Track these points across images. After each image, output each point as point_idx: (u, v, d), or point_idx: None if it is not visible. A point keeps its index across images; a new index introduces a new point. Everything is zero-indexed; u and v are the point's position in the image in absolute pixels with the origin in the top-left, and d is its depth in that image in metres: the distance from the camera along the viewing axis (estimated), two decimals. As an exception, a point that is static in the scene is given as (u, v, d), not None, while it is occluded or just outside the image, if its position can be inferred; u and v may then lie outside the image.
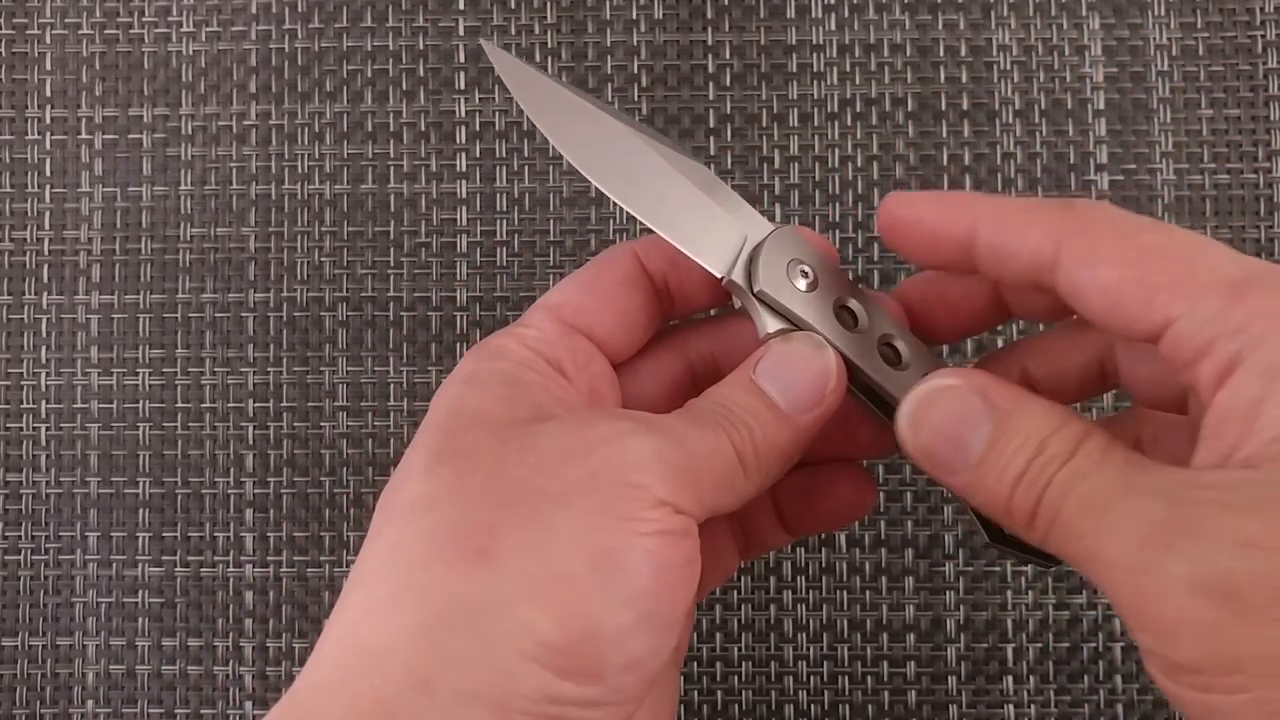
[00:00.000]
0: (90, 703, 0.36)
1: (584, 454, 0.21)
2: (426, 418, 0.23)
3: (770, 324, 0.24)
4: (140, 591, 0.37)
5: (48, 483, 0.37)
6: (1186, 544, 0.18)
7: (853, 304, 0.25)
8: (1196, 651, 0.18)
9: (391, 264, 0.37)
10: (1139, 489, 0.19)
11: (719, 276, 0.24)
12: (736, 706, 0.36)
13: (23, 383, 0.37)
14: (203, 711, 0.36)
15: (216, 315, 0.37)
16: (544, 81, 0.25)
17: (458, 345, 0.37)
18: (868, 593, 0.36)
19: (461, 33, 0.38)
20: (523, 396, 0.23)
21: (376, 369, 0.37)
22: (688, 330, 0.27)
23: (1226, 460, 0.19)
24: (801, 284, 0.24)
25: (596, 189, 0.37)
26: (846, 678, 0.36)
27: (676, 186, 0.24)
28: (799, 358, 0.23)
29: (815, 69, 0.37)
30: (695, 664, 0.36)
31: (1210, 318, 0.19)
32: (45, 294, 0.38)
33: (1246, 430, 0.19)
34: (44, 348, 0.38)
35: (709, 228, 0.24)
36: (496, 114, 0.38)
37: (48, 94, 0.38)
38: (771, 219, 0.29)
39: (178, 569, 0.37)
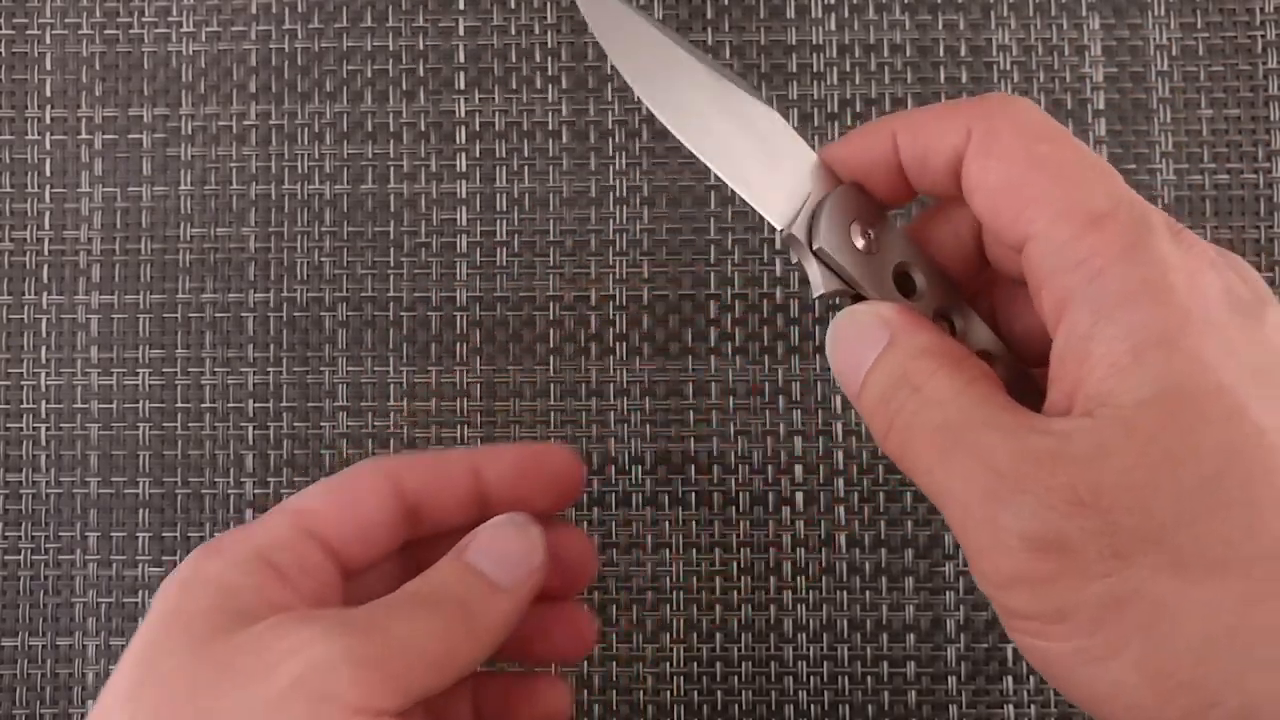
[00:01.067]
0: (90, 703, 0.36)
1: (273, 671, 0.21)
2: (147, 615, 0.23)
3: (823, 283, 0.23)
4: (140, 591, 0.37)
5: (48, 483, 0.37)
6: (1021, 499, 0.18)
7: (914, 271, 0.24)
8: (1028, 602, 0.19)
9: (391, 264, 0.37)
10: (981, 437, 0.19)
11: (779, 228, 0.23)
12: (736, 706, 0.36)
13: (23, 383, 0.37)
14: (203, 711, 0.36)
15: (216, 315, 0.37)
16: (629, 18, 0.24)
17: (458, 345, 0.37)
18: (868, 593, 0.36)
19: (461, 33, 0.38)
20: (231, 605, 0.23)
21: (376, 369, 0.37)
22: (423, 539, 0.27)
23: (1070, 403, 0.19)
24: (861, 243, 0.23)
25: (597, 189, 0.37)
26: (846, 678, 0.36)
27: (748, 135, 0.24)
28: (507, 536, 0.25)
29: (815, 69, 0.37)
30: (695, 664, 0.36)
31: (1058, 246, 0.19)
32: (45, 294, 0.38)
33: (1079, 372, 0.19)
34: (44, 348, 0.38)
35: (775, 178, 0.23)
36: (496, 114, 0.38)
37: (48, 94, 0.38)
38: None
39: (178, 569, 0.37)
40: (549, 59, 0.38)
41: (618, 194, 0.37)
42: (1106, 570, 0.18)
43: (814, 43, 0.38)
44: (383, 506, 0.25)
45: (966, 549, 0.20)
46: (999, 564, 0.19)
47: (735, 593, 0.36)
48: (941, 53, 0.37)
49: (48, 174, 0.38)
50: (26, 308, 0.38)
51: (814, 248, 0.23)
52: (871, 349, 0.21)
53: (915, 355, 0.21)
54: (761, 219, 0.37)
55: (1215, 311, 0.18)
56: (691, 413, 0.37)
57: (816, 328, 0.37)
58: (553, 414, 0.37)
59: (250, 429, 0.37)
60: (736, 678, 0.36)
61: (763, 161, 0.24)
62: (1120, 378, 0.18)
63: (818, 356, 0.37)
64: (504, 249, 0.37)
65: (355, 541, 0.25)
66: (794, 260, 0.24)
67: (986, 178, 0.20)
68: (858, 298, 0.23)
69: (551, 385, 0.37)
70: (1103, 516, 0.18)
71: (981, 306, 0.25)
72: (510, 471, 0.27)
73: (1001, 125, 0.20)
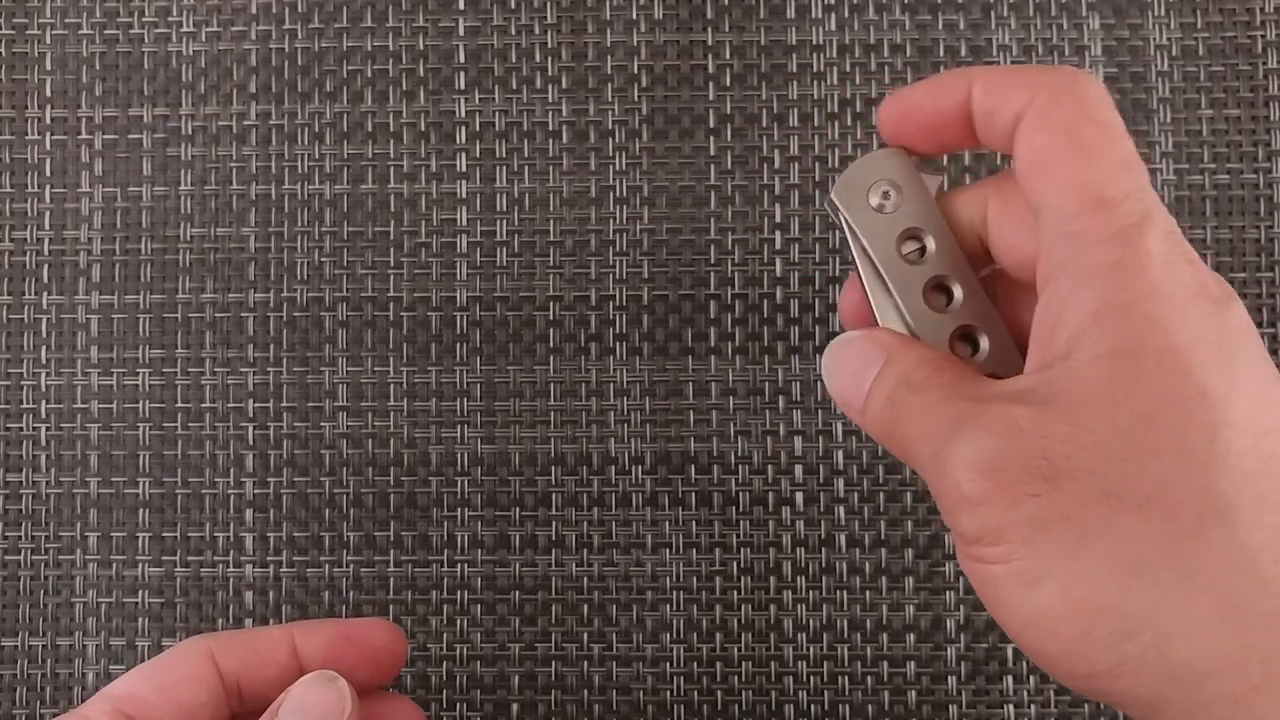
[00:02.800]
0: (90, 703, 0.36)
1: None
2: None
3: (877, 312, 0.24)
4: (140, 591, 0.37)
5: (48, 483, 0.37)
6: (968, 431, 0.20)
7: (925, 236, 0.25)
8: (970, 523, 0.20)
9: (391, 264, 0.37)
10: (955, 401, 0.21)
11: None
12: (736, 706, 0.36)
13: (23, 383, 0.37)
14: (203, 711, 0.36)
15: (216, 315, 0.37)
16: None
17: (458, 345, 0.37)
18: (868, 593, 0.36)
19: (461, 33, 0.38)
20: None
21: (376, 369, 0.37)
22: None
23: (1039, 364, 0.21)
24: (875, 201, 0.24)
25: (597, 189, 0.37)
26: (846, 678, 0.36)
27: None
28: (317, 692, 0.25)
29: (815, 69, 0.37)
30: (695, 664, 0.36)
31: (1061, 220, 0.21)
32: (45, 294, 0.38)
33: (1049, 336, 0.20)
34: (44, 348, 0.38)
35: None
36: (496, 114, 0.38)
37: (48, 94, 0.38)
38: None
39: (178, 569, 0.37)
40: (549, 59, 0.38)
41: (618, 194, 0.37)
42: (1036, 490, 0.19)
43: (814, 43, 0.38)
44: (203, 688, 0.26)
45: (933, 492, 0.21)
46: (948, 489, 0.20)
47: (735, 593, 0.36)
48: (941, 53, 0.37)
49: (48, 174, 0.38)
50: (26, 308, 0.38)
51: (828, 196, 0.25)
52: (871, 368, 0.23)
53: (914, 365, 0.22)
54: (760, 221, 0.37)
55: (1181, 293, 0.20)
56: (691, 413, 0.37)
57: (816, 328, 0.37)
58: (553, 414, 0.37)
59: (250, 429, 0.37)
60: (736, 678, 0.36)
61: None
62: (1080, 338, 0.20)
63: (817, 356, 0.37)
64: (504, 249, 0.37)
65: None
66: (839, 239, 0.25)
67: (1031, 143, 0.22)
68: (863, 252, 0.24)
69: (551, 385, 0.37)
70: (1038, 443, 0.19)
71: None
72: (324, 646, 0.28)
73: (1061, 99, 0.21)
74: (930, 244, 0.24)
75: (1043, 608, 0.19)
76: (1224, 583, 0.19)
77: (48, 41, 0.38)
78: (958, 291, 0.24)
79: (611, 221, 0.37)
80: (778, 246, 0.37)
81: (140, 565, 0.37)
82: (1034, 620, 0.20)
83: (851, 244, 0.25)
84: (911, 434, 0.22)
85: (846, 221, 0.25)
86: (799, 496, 0.36)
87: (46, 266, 0.38)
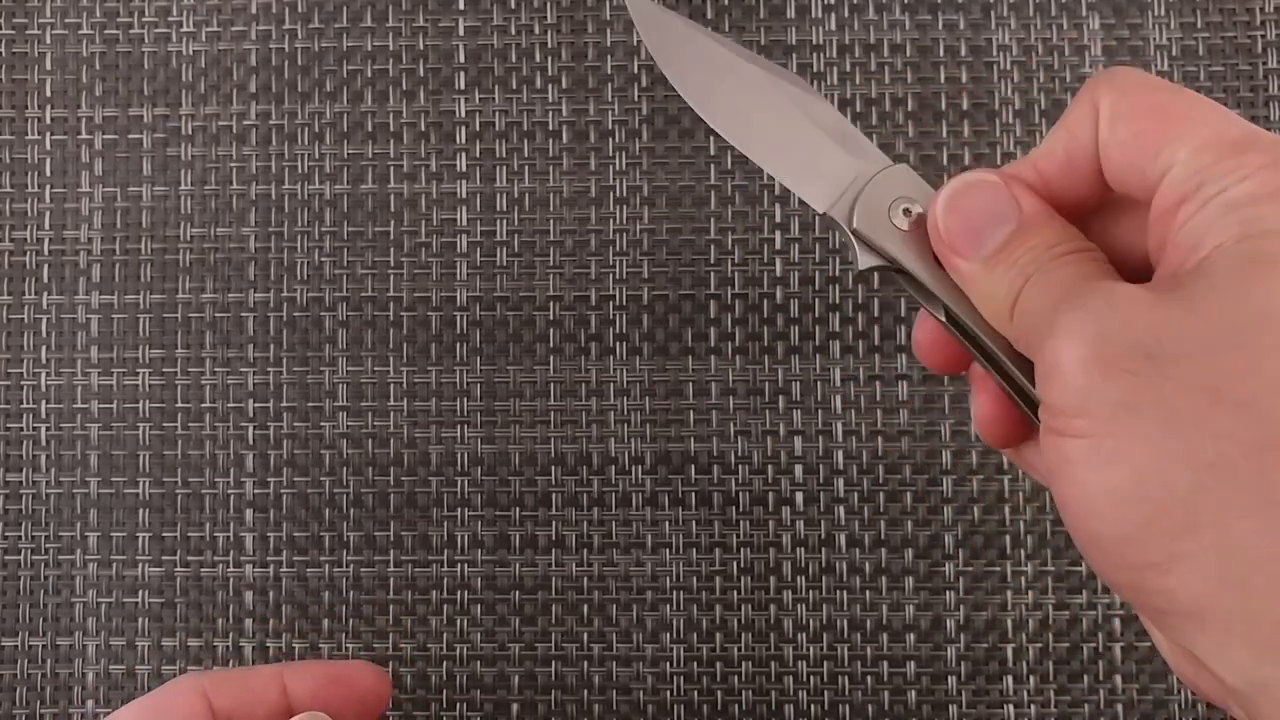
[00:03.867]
0: (90, 703, 0.36)
1: None
2: None
3: (864, 259, 0.24)
4: (140, 591, 0.37)
5: (48, 483, 0.37)
6: (1084, 300, 0.20)
7: None
8: (1061, 393, 0.20)
9: (391, 264, 0.37)
10: (1080, 290, 0.20)
11: (820, 211, 0.24)
12: (736, 706, 0.36)
13: (23, 383, 0.37)
14: (203, 711, 0.36)
15: (216, 315, 0.37)
16: (675, 25, 0.26)
17: (458, 345, 0.37)
18: (868, 593, 0.36)
19: (461, 33, 0.38)
20: None
21: (376, 369, 0.37)
22: None
23: (1171, 277, 0.20)
24: (904, 223, 0.24)
25: (597, 189, 0.37)
26: (846, 678, 0.36)
27: (792, 124, 0.25)
28: None
29: (815, 69, 0.37)
30: (695, 664, 0.36)
31: (1203, 165, 0.20)
32: (45, 294, 0.38)
33: (1187, 255, 0.20)
34: (44, 348, 0.38)
35: (817, 164, 0.25)
36: (496, 114, 0.38)
37: (48, 94, 0.38)
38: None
39: (178, 569, 0.37)
40: (549, 59, 0.38)
41: (618, 194, 0.37)
42: (1134, 367, 0.19)
43: (814, 43, 0.38)
44: None
45: (1034, 360, 0.21)
46: (1044, 358, 0.20)
47: (735, 593, 0.36)
48: (941, 53, 0.37)
49: (48, 174, 0.38)
50: (26, 308, 0.38)
51: (851, 228, 0.24)
52: (1001, 226, 0.22)
53: (1060, 243, 0.22)
54: (760, 221, 0.37)
55: None
56: (691, 413, 0.37)
57: (816, 328, 0.37)
58: (553, 414, 0.37)
59: (250, 429, 0.37)
60: (736, 678, 0.36)
61: (806, 150, 0.25)
62: (1218, 252, 0.19)
63: (818, 356, 0.37)
64: (504, 249, 0.37)
65: None
66: (841, 239, 0.25)
67: (1118, 136, 0.21)
68: (901, 271, 0.24)
69: (551, 385, 0.37)
70: (1153, 322, 0.19)
71: None
72: (313, 688, 0.28)
73: (1115, 91, 0.21)
74: None
75: (1112, 488, 0.19)
76: None
77: (48, 41, 0.38)
78: None
79: (611, 221, 0.37)
80: (778, 246, 0.37)
81: (140, 565, 0.37)
82: (1098, 501, 0.19)
83: (865, 263, 0.24)
84: (1029, 307, 0.21)
85: (877, 247, 0.24)
86: (799, 496, 0.36)
87: (46, 266, 0.38)
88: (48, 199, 0.38)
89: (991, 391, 0.24)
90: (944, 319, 0.24)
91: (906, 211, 0.24)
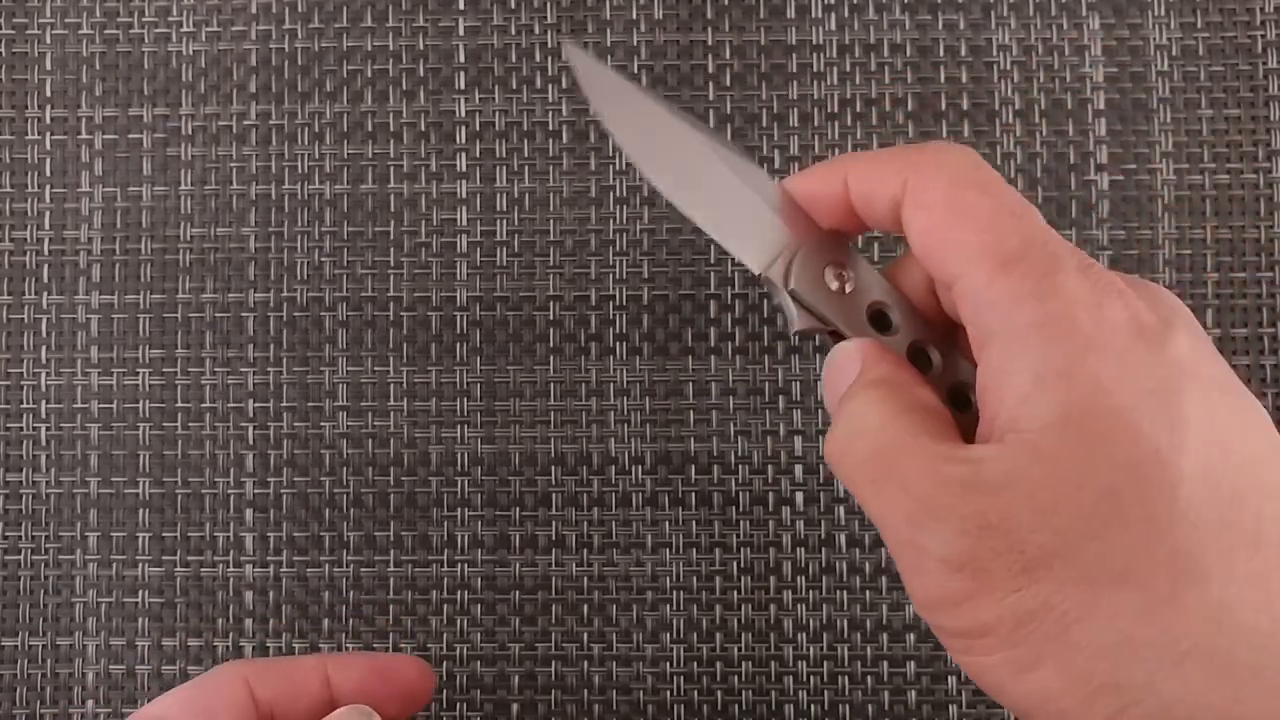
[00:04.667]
0: (90, 703, 0.36)
1: None
2: None
3: (798, 321, 0.25)
4: (140, 591, 0.37)
5: (48, 483, 0.37)
6: (937, 525, 0.20)
7: (889, 310, 0.25)
8: (952, 619, 0.20)
9: (391, 264, 0.37)
10: (906, 465, 0.21)
11: (756, 272, 0.25)
12: (736, 706, 0.36)
13: (23, 383, 0.37)
14: (203, 711, 0.36)
15: (216, 315, 0.37)
16: (616, 83, 0.26)
17: (458, 345, 0.37)
18: (868, 593, 0.36)
19: (461, 33, 0.38)
20: None
21: (376, 369, 0.37)
22: None
23: (990, 430, 0.21)
24: (835, 285, 0.25)
25: (597, 189, 0.37)
26: (846, 678, 0.36)
27: (731, 189, 0.25)
28: None
29: (815, 69, 0.37)
30: (695, 664, 0.36)
31: (976, 288, 0.21)
32: (45, 294, 0.38)
33: (995, 403, 0.20)
34: (44, 348, 0.38)
35: (755, 229, 0.25)
36: (496, 114, 0.38)
37: (48, 94, 0.38)
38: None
39: (178, 569, 0.37)
40: (549, 59, 0.38)
41: (618, 194, 0.37)
42: (1016, 585, 0.19)
43: (814, 43, 0.38)
44: (239, 716, 0.26)
45: (900, 570, 0.21)
46: (924, 585, 0.20)
47: (735, 593, 0.36)
48: (941, 53, 0.37)
49: (48, 174, 0.38)
50: (26, 308, 0.38)
51: (788, 288, 0.25)
52: (845, 381, 0.23)
53: (865, 386, 0.22)
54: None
55: (1118, 339, 0.20)
56: (691, 413, 0.37)
57: (816, 328, 0.37)
58: (553, 414, 0.37)
59: (250, 429, 0.37)
60: (736, 678, 0.36)
61: (744, 214, 0.25)
62: (1026, 405, 0.20)
63: (818, 356, 0.37)
64: (504, 249, 0.37)
65: None
66: (775, 301, 0.25)
67: (916, 224, 0.22)
68: (835, 334, 0.25)
69: (551, 385, 0.37)
70: (1010, 537, 0.19)
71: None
72: (357, 680, 0.28)
73: (931, 175, 0.22)
74: (894, 316, 0.25)
75: (1043, 688, 0.20)
76: (1207, 643, 0.19)
77: (48, 41, 0.38)
78: (935, 356, 0.25)
79: (611, 221, 0.37)
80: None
81: (140, 565, 0.37)
82: (1039, 702, 0.20)
83: (802, 324, 0.25)
84: (859, 489, 0.22)
85: (812, 308, 0.25)
86: (799, 496, 0.36)
87: (46, 266, 0.38)
88: (48, 199, 0.38)
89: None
90: None
91: (839, 275, 0.25)
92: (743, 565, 0.36)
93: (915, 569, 0.20)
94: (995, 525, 0.19)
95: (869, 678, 0.36)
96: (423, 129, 0.38)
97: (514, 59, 0.38)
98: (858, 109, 0.37)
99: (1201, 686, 0.19)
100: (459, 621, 0.36)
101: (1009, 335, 0.20)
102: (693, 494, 0.36)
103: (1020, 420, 0.20)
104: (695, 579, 0.36)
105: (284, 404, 0.37)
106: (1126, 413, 0.19)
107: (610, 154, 0.37)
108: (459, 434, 0.37)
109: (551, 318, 0.37)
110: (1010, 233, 0.21)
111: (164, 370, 0.37)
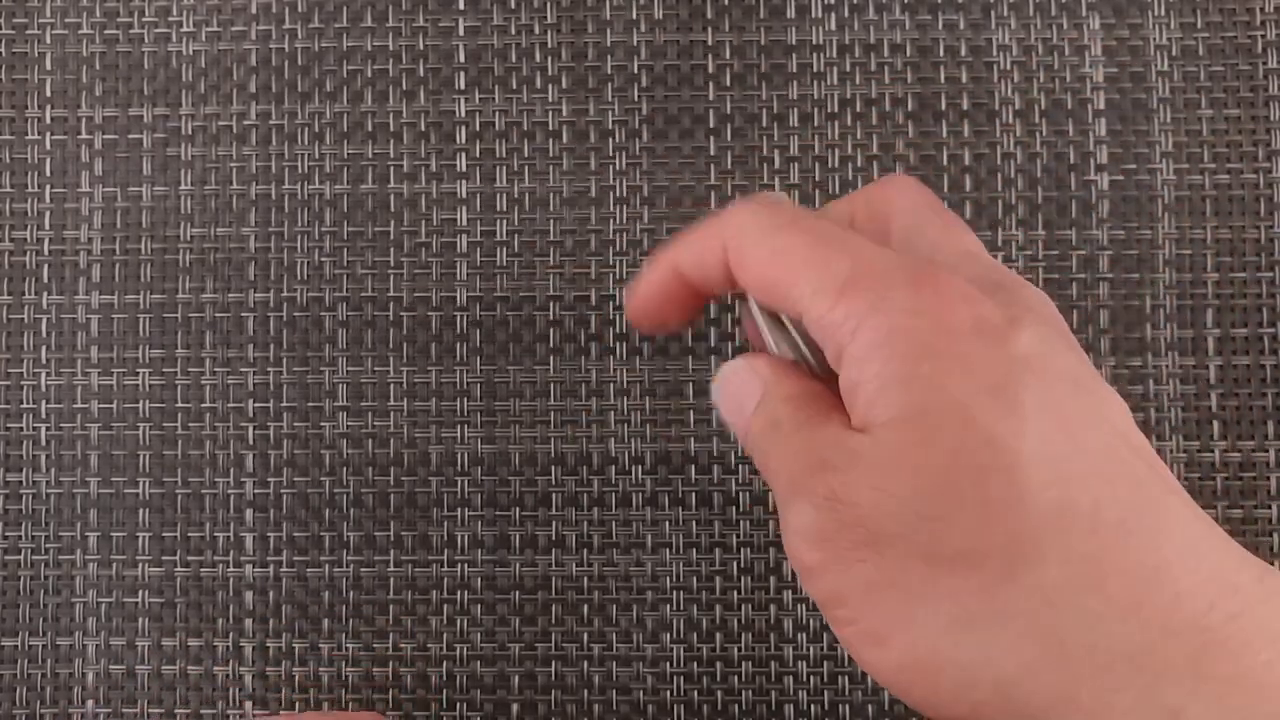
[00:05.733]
0: (90, 703, 0.36)
1: None
2: None
3: (772, 342, 0.25)
4: (140, 591, 0.37)
5: (48, 483, 0.37)
6: (796, 502, 0.21)
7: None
8: (815, 589, 0.21)
9: (391, 264, 0.37)
10: (794, 446, 0.22)
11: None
12: (736, 706, 0.36)
13: (23, 383, 0.37)
14: (203, 711, 0.36)
15: (216, 315, 0.37)
16: None
17: (458, 345, 0.37)
18: (868, 593, 0.36)
19: (461, 33, 0.38)
20: None
21: (376, 369, 0.37)
22: None
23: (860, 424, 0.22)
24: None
25: (597, 189, 0.37)
26: (846, 678, 0.36)
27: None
28: None
29: (815, 69, 0.37)
30: (695, 664, 0.36)
31: (820, 317, 0.22)
32: (45, 294, 0.38)
33: (851, 409, 0.22)
34: (44, 348, 0.38)
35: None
36: (496, 114, 0.38)
37: (48, 94, 0.38)
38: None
39: (178, 569, 0.37)
40: (549, 59, 0.38)
41: (618, 194, 0.37)
42: (860, 556, 0.20)
43: (814, 43, 0.38)
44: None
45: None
46: (792, 556, 0.22)
47: (735, 593, 0.36)
48: (941, 53, 0.37)
49: (48, 174, 0.38)
50: (26, 308, 0.38)
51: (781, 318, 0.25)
52: (750, 399, 0.24)
53: (782, 401, 0.23)
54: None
55: (956, 340, 0.21)
56: (691, 413, 0.37)
57: (816, 328, 0.37)
58: (553, 414, 0.37)
59: (250, 429, 0.37)
60: (736, 678, 0.36)
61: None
62: (872, 410, 0.21)
63: (818, 356, 0.37)
64: (504, 249, 0.37)
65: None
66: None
67: (749, 281, 0.23)
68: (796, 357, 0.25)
69: (551, 385, 0.37)
70: (853, 511, 0.20)
71: None
72: None
73: (742, 235, 0.23)
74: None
75: (893, 664, 0.21)
76: (1044, 623, 0.19)
77: (48, 41, 0.38)
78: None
79: (611, 221, 0.37)
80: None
81: (140, 565, 0.37)
82: (891, 675, 0.21)
83: (783, 353, 0.25)
84: (771, 482, 0.23)
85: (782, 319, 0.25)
86: (799, 496, 0.36)
87: (46, 266, 0.38)
88: (48, 199, 0.38)
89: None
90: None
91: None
92: (743, 565, 0.36)
93: (787, 543, 0.22)
94: (840, 500, 0.21)
95: (869, 678, 0.36)
96: (423, 129, 0.38)
97: (514, 59, 0.38)
98: (858, 109, 0.37)
99: (1038, 665, 0.19)
100: (459, 621, 0.36)
101: (853, 353, 0.21)
102: (693, 494, 0.36)
103: (869, 422, 0.21)
104: (695, 579, 0.36)
105: (284, 404, 0.37)
106: (962, 407, 0.20)
107: (610, 154, 0.37)
108: (459, 434, 0.37)
109: (551, 318, 0.37)
110: (836, 260, 0.22)
111: (164, 370, 0.37)
